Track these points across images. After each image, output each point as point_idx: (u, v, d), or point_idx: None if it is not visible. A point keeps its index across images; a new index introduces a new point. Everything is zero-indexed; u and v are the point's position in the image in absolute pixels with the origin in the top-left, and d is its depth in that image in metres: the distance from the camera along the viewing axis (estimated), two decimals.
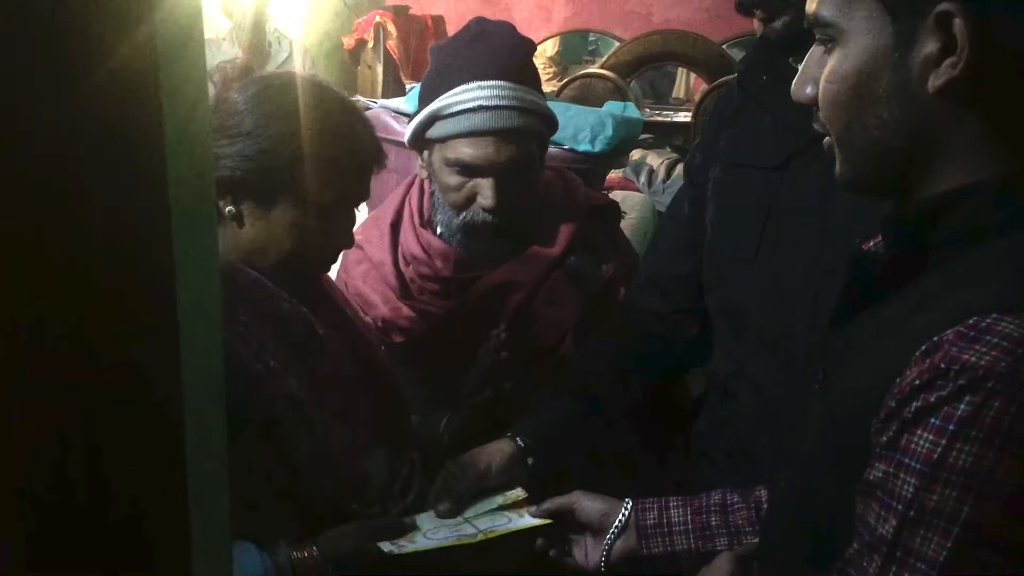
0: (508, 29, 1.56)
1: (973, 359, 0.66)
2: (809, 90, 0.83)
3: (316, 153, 1.15)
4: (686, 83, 6.19)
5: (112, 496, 0.50)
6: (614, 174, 3.72)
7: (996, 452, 0.65)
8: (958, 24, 0.71)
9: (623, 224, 1.85)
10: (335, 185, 1.19)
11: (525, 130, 1.49)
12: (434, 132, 1.50)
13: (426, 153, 1.56)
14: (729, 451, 1.35)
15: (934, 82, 0.73)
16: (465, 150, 1.47)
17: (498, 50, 1.50)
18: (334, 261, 1.30)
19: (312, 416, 1.17)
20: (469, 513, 1.28)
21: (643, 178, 3.92)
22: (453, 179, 1.50)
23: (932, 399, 0.67)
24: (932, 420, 0.67)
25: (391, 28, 4.45)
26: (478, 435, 1.46)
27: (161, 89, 0.47)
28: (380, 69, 4.50)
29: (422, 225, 1.62)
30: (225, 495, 0.57)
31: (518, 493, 1.30)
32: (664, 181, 3.87)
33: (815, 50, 0.83)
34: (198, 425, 0.52)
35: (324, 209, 1.19)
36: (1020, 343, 0.65)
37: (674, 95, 6.28)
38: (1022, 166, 0.74)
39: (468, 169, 1.49)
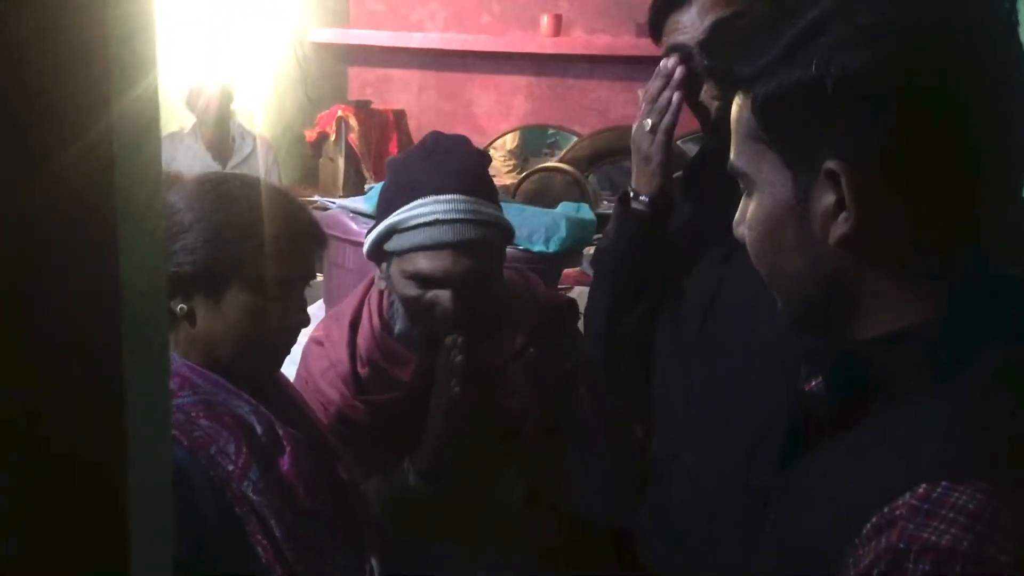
0: (464, 144, 1.59)
1: (933, 538, 0.62)
2: (741, 230, 0.85)
3: (257, 234, 1.18)
4: None
5: None
6: (572, 269, 3.75)
7: None
8: (844, 182, 0.72)
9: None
10: (280, 263, 1.20)
11: (482, 242, 1.50)
12: (392, 245, 1.52)
13: (384, 265, 1.57)
14: (664, 537, 1.34)
15: (833, 234, 0.75)
16: (423, 263, 1.48)
17: (454, 165, 1.53)
18: (292, 343, 1.30)
19: (271, 519, 1.15)
20: None
21: None
22: (412, 291, 1.51)
23: None
24: None
25: (353, 122, 4.51)
26: (443, 464, 1.48)
27: (115, 186, 0.46)
28: (342, 162, 4.55)
29: (383, 328, 1.61)
30: None
31: None
32: None
33: (745, 197, 0.86)
34: (145, 525, 0.50)
35: (273, 288, 1.20)
36: (977, 517, 0.62)
37: None
38: (944, 314, 0.74)
39: (426, 281, 1.50)
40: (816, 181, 0.74)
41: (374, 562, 1.31)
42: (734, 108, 0.82)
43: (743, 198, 0.85)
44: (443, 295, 1.50)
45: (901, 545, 0.63)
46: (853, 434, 0.76)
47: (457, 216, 1.48)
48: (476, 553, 1.31)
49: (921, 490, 0.64)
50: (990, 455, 0.66)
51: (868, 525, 0.66)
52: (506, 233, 1.58)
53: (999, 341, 0.72)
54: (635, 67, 4.99)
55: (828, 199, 0.74)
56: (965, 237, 0.76)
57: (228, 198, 1.20)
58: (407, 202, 1.50)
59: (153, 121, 0.50)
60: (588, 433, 1.58)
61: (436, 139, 1.58)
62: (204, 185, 1.22)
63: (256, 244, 1.18)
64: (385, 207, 1.55)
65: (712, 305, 1.29)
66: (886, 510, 0.65)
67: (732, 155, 0.83)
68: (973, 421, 0.69)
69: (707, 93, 1.29)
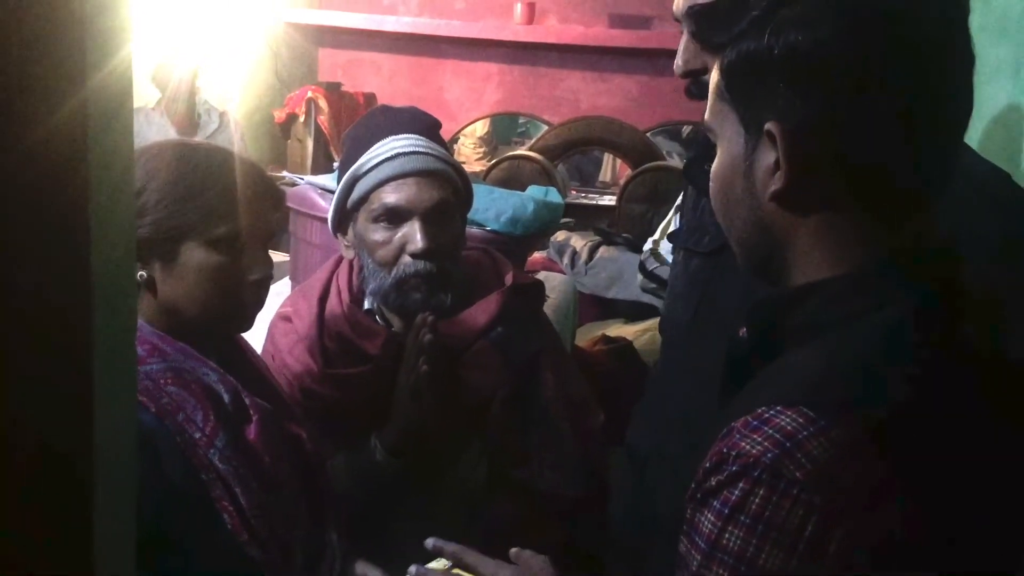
0: (414, 108, 1.68)
1: (747, 447, 0.73)
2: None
3: (203, 190, 1.18)
4: (612, 168, 6.34)
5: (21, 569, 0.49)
6: (538, 255, 3.76)
7: (758, 539, 0.71)
8: (779, 142, 0.80)
9: (545, 304, 1.88)
10: (231, 219, 1.20)
11: (442, 174, 1.56)
12: (356, 194, 1.55)
13: (350, 228, 1.58)
14: (646, 524, 1.37)
15: (769, 190, 0.82)
16: (389, 196, 1.52)
17: (407, 116, 1.62)
18: (259, 299, 1.29)
19: (237, 487, 1.16)
20: None
21: (566, 259, 3.97)
22: (380, 234, 1.53)
23: (714, 483, 0.74)
24: (714, 502, 0.74)
25: (323, 104, 4.49)
26: (409, 440, 1.50)
27: (89, 159, 0.47)
28: (310, 144, 4.52)
29: (352, 301, 1.62)
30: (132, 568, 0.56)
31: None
32: (587, 263, 3.93)
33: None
34: (108, 496, 0.51)
35: (225, 243, 1.20)
36: (790, 436, 0.71)
37: (600, 179, 6.42)
38: (856, 269, 0.81)
39: (393, 215, 1.52)
40: (760, 140, 0.82)
41: (335, 537, 1.32)
42: (713, 71, 0.89)
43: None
44: (411, 231, 1.52)
45: (724, 450, 0.74)
46: (759, 375, 0.83)
47: (416, 149, 1.54)
48: (439, 529, 1.32)
49: (759, 411, 0.74)
50: (826, 389, 0.75)
51: (719, 437, 0.77)
52: (463, 179, 1.63)
53: (900, 299, 0.79)
54: (607, 57, 5.01)
55: (769, 158, 0.82)
56: (892, 208, 0.82)
57: (177, 159, 1.20)
58: (364, 151, 1.56)
59: (126, 96, 0.51)
60: (551, 416, 1.60)
61: (385, 106, 1.70)
62: (149, 151, 1.22)
63: (205, 201, 1.18)
64: (343, 170, 1.60)
65: (703, 299, 1.32)
66: (732, 425, 0.76)
67: (706, 113, 0.91)
68: (833, 361, 0.77)
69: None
